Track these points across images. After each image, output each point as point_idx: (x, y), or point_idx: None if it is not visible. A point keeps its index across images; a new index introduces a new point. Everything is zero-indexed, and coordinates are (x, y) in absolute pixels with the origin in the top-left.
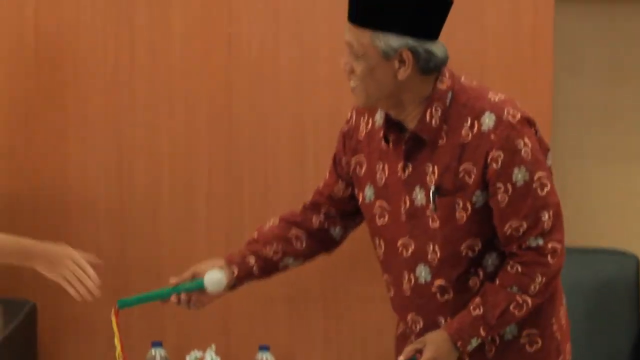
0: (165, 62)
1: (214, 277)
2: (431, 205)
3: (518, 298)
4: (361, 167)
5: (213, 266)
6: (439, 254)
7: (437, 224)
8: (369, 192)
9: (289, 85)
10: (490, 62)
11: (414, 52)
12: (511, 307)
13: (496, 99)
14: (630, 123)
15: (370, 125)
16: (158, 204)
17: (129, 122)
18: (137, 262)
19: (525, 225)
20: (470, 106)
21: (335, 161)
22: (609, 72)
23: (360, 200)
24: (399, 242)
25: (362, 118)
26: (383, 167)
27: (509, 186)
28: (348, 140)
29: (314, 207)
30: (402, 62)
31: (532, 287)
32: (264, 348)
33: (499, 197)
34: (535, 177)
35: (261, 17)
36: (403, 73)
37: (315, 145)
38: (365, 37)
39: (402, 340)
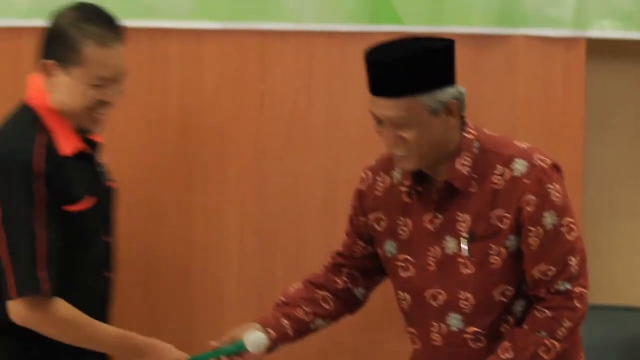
0: (197, 117)
1: (255, 338)
2: (465, 253)
3: (547, 342)
4: (380, 223)
5: (249, 329)
6: (472, 301)
7: (470, 271)
8: (389, 247)
9: (321, 142)
10: (521, 120)
11: (457, 99)
12: (540, 352)
13: (524, 147)
14: None
15: (388, 182)
16: (190, 260)
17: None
18: (169, 319)
19: (554, 269)
20: (499, 154)
21: (353, 221)
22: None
23: (382, 255)
24: (427, 293)
25: (377, 176)
26: (406, 222)
27: (540, 230)
28: (365, 199)
29: (335, 268)
30: (449, 112)
31: (560, 331)
32: None
33: (530, 240)
34: (565, 222)
35: (294, 74)
36: (453, 122)
37: (346, 204)
38: (409, 104)
39: None
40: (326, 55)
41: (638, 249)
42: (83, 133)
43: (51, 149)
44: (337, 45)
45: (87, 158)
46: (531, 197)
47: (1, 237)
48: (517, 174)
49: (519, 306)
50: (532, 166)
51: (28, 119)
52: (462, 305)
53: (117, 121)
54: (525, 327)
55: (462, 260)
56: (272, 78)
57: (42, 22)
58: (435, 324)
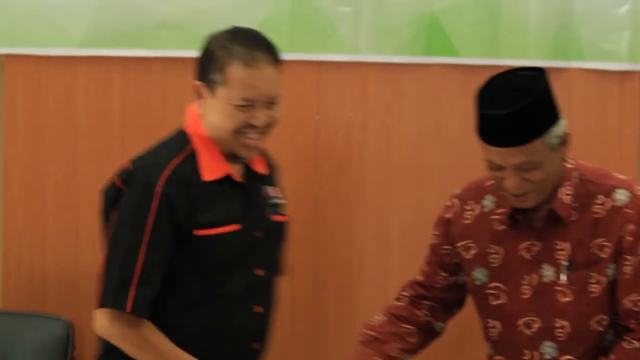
0: None
1: None
2: (564, 281)
3: None
4: (469, 251)
5: None
6: (568, 330)
7: (569, 299)
8: (479, 274)
9: (375, 172)
10: (577, 152)
11: (567, 129)
12: None
13: (623, 177)
14: None
15: (477, 210)
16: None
17: None
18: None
19: None
20: (600, 183)
21: (435, 250)
22: None
23: (469, 283)
24: (520, 321)
25: (465, 205)
26: (497, 249)
27: (636, 259)
28: (452, 227)
29: (416, 300)
30: (564, 144)
31: None
32: None
33: (625, 269)
34: None
35: (349, 105)
36: (568, 152)
37: (400, 234)
38: (534, 147)
39: None
40: (380, 85)
41: None
42: (238, 160)
43: (188, 171)
44: (392, 75)
45: (239, 186)
46: (632, 227)
47: (106, 245)
48: (618, 203)
49: (609, 335)
50: (634, 196)
51: (176, 141)
52: (558, 334)
53: None
54: (613, 357)
55: (559, 288)
56: (326, 108)
57: (95, 51)
58: (527, 352)
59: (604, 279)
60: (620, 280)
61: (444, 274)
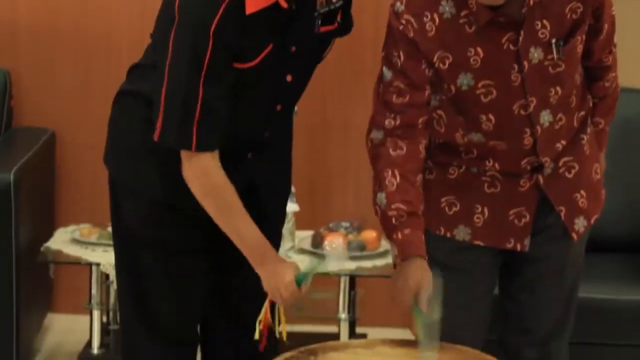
0: None
1: None
2: (554, 56)
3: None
4: (444, 62)
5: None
6: (560, 93)
7: (561, 68)
8: (464, 80)
9: None
10: None
11: None
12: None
13: None
14: None
15: (438, 19)
16: None
17: None
18: None
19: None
20: None
21: (408, 74)
22: None
23: (455, 92)
24: (515, 106)
25: (421, 18)
26: (475, 51)
27: (609, 14)
28: (419, 45)
29: (414, 140)
30: None
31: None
32: None
33: (600, 25)
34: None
35: None
36: None
37: None
38: None
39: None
40: None
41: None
42: None
43: (236, 7)
44: None
45: (285, 11)
46: None
47: (163, 80)
48: None
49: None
50: None
51: None
52: (551, 101)
53: None
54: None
55: (550, 63)
56: None
57: None
58: (527, 129)
59: (584, 37)
60: (596, 39)
61: (428, 90)
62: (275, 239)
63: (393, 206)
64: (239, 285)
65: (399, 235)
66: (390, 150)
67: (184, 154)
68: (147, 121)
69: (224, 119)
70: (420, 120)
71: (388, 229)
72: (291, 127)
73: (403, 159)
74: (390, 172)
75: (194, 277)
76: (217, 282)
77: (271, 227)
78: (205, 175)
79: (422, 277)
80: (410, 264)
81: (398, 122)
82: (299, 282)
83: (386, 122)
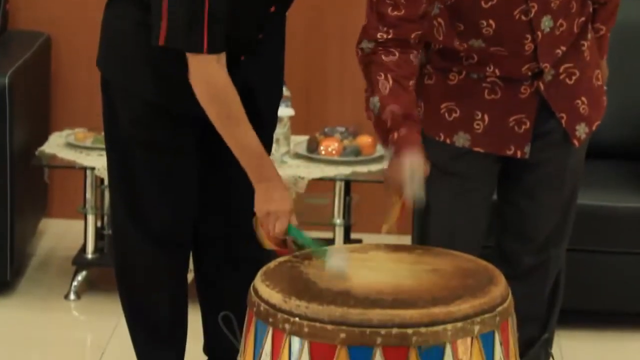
0: None
1: None
2: None
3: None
4: None
5: None
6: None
7: None
8: None
9: None
10: None
11: None
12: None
13: None
14: None
15: None
16: None
17: None
18: None
19: None
20: None
21: None
22: None
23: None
24: (516, 11)
25: None
26: None
27: None
28: None
29: (406, 50)
30: None
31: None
32: None
33: None
34: None
35: None
36: None
37: None
38: None
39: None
40: None
41: None
42: None
43: None
44: None
45: None
46: None
47: None
48: None
49: None
50: None
51: None
52: (552, 6)
53: None
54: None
55: None
56: None
57: None
58: (528, 35)
59: None
60: None
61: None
62: (268, 143)
63: (387, 109)
64: (229, 180)
65: (395, 135)
66: (383, 57)
67: (191, 57)
68: (140, 24)
69: (224, 21)
70: (413, 35)
71: (383, 132)
72: (284, 30)
73: (395, 64)
74: (383, 76)
75: (185, 178)
76: (207, 179)
77: (265, 131)
78: (212, 79)
79: (418, 162)
80: (406, 153)
81: (391, 35)
82: (289, 231)
83: (378, 35)
